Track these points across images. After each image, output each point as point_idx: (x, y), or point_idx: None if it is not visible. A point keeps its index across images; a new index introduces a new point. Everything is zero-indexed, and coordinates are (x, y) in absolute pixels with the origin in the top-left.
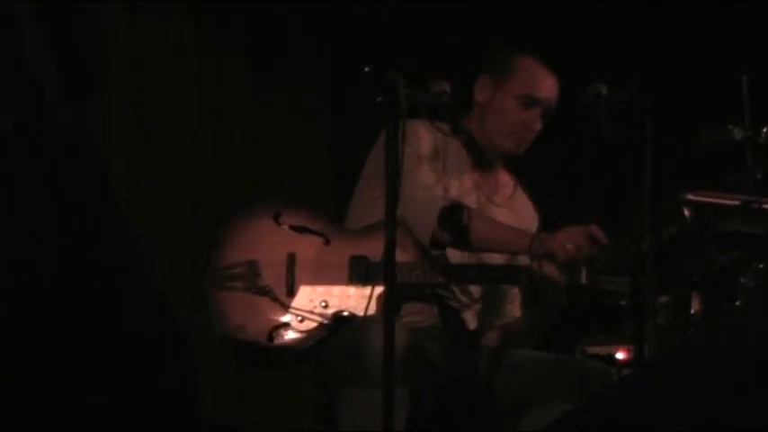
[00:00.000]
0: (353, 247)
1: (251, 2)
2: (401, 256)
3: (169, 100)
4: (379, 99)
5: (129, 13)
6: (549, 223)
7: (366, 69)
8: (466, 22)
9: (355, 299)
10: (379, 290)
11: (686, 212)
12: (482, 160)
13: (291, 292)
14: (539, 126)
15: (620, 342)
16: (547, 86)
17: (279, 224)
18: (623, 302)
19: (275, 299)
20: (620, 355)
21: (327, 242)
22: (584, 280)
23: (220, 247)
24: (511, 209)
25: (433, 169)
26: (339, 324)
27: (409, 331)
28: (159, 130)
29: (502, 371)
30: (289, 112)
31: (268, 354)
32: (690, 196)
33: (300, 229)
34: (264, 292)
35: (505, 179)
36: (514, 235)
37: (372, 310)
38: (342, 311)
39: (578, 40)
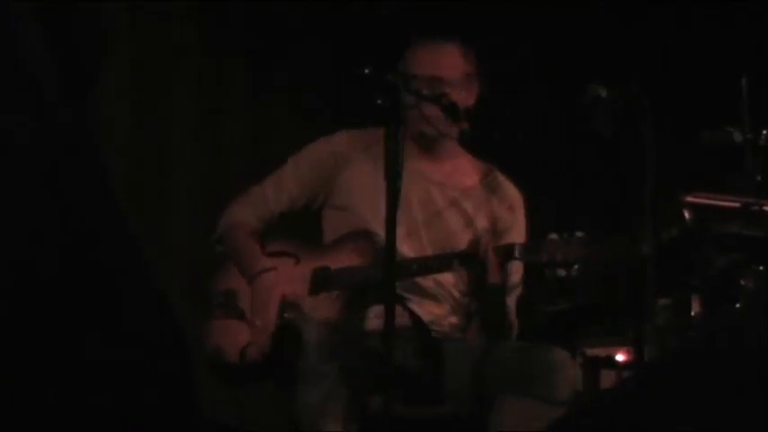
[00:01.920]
0: (320, 261)
1: (251, 2)
2: (356, 260)
3: (169, 100)
4: (379, 102)
5: (129, 13)
6: (545, 223)
7: (366, 71)
8: (465, 23)
9: (313, 307)
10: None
11: (686, 214)
12: (432, 151)
13: None
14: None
15: (620, 344)
16: (423, 59)
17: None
18: (563, 273)
19: (242, 318)
20: (620, 357)
21: (298, 261)
22: (517, 254)
23: (217, 275)
24: (489, 191)
25: (302, 181)
26: (281, 332)
27: (324, 329)
28: (159, 131)
29: (486, 365)
30: (289, 113)
31: (242, 373)
32: (689, 198)
33: (275, 254)
34: (240, 315)
35: (470, 166)
36: (247, 258)
37: (333, 314)
38: (288, 320)
39: (578, 40)
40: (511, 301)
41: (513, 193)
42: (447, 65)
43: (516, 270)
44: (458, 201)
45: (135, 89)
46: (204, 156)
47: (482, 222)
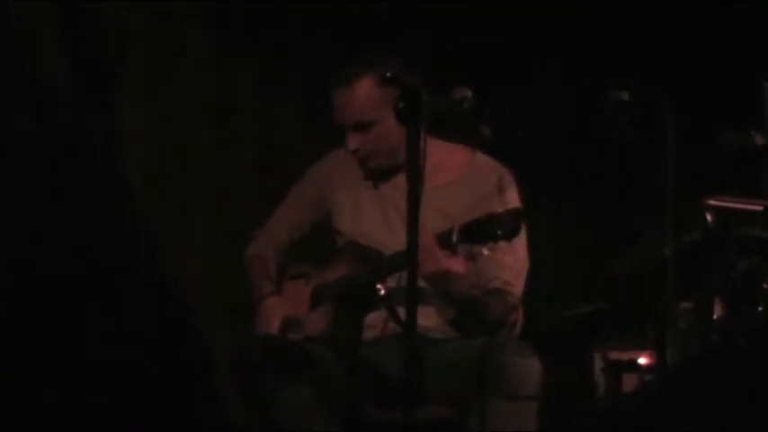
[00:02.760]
0: (321, 277)
1: (256, 2)
2: (347, 272)
3: (174, 101)
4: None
5: (130, 13)
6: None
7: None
8: (465, 23)
9: (313, 323)
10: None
11: (708, 217)
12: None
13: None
14: (353, 144)
15: (642, 347)
16: (342, 110)
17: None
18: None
19: None
20: (642, 361)
21: (308, 280)
22: (455, 238)
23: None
24: (470, 179)
25: (301, 206)
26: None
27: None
28: (165, 131)
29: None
30: (294, 113)
31: None
32: (712, 201)
33: (292, 277)
34: None
35: (449, 157)
36: (256, 287)
37: (322, 328)
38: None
39: (583, 40)
40: (517, 291)
41: (498, 172)
42: (366, 107)
43: (513, 255)
44: (434, 200)
45: (138, 90)
46: (210, 157)
47: (465, 214)
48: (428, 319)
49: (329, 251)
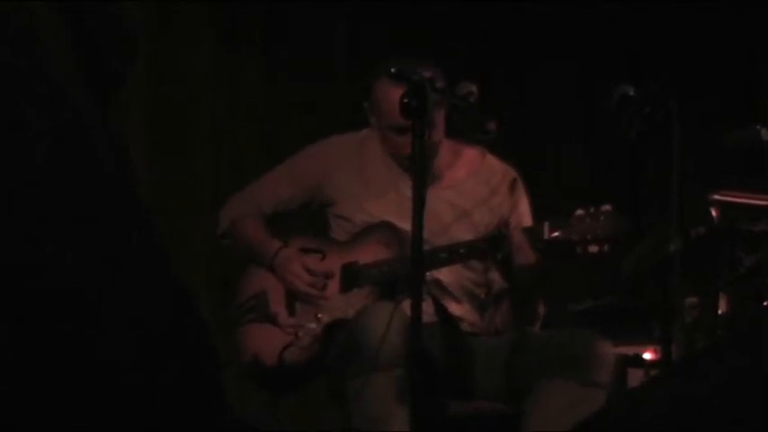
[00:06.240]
0: (347, 255)
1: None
2: (382, 253)
3: (181, 101)
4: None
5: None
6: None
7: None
8: (468, 21)
9: (347, 305)
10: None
11: (714, 213)
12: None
13: (293, 313)
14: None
15: (647, 342)
16: (393, 108)
17: None
18: (595, 250)
19: (275, 322)
20: (647, 356)
21: (324, 257)
22: (546, 235)
23: (242, 278)
24: (481, 177)
25: (292, 182)
26: (330, 332)
27: (405, 316)
28: (171, 131)
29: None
30: (303, 112)
31: (283, 377)
32: (717, 196)
33: (301, 250)
34: (271, 319)
35: (458, 156)
36: (260, 245)
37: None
38: (334, 320)
39: (590, 38)
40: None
41: (506, 171)
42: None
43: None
44: (447, 196)
45: (142, 88)
46: (216, 157)
47: (478, 210)
48: (464, 313)
49: (343, 229)
